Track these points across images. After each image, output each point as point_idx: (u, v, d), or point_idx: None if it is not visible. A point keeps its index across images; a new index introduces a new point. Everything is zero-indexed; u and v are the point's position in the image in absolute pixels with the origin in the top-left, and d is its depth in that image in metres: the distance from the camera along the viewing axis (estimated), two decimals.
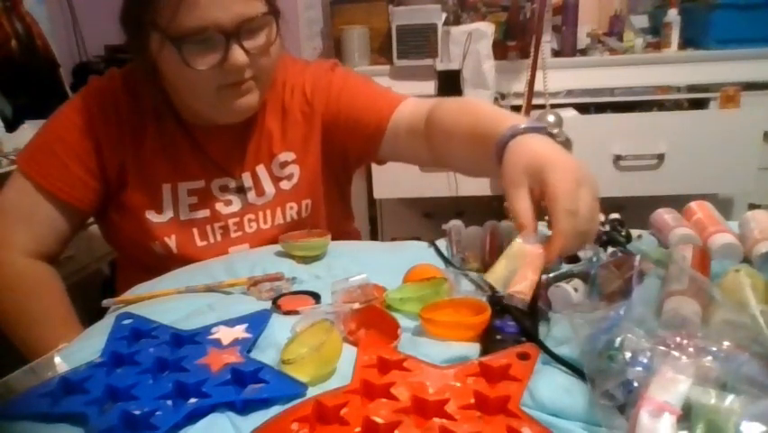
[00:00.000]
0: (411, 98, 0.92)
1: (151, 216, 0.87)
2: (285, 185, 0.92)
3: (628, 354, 0.43)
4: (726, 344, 0.42)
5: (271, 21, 0.80)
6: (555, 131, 0.61)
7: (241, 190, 0.91)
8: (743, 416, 0.36)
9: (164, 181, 0.88)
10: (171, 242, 0.88)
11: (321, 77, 0.94)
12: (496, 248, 0.70)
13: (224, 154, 0.90)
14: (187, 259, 0.87)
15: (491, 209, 1.87)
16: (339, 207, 1.03)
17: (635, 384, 0.41)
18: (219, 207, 0.90)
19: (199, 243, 0.89)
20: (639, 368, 0.42)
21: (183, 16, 0.73)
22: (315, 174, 0.94)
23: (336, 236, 0.88)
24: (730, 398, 0.38)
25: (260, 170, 0.91)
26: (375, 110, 0.90)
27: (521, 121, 0.67)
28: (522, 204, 0.59)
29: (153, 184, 0.87)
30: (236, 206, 0.91)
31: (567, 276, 0.58)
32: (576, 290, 0.54)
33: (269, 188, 0.92)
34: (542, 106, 1.79)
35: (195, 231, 0.89)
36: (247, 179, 0.91)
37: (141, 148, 0.87)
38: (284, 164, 0.92)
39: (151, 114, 0.87)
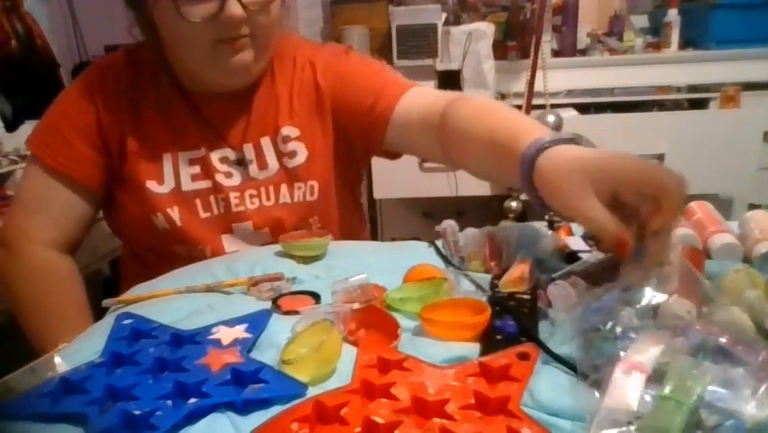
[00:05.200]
0: (427, 88, 0.89)
1: (152, 187, 0.86)
2: (289, 162, 0.90)
3: (619, 330, 0.44)
4: (723, 339, 0.43)
5: None
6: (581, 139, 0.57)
7: (241, 163, 0.89)
8: (712, 381, 0.38)
9: (164, 151, 0.87)
10: (174, 213, 0.86)
11: (334, 57, 0.92)
12: (496, 253, 0.70)
13: (225, 123, 0.88)
14: (191, 233, 0.86)
15: (491, 209, 1.87)
16: (350, 204, 1.00)
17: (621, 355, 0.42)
18: (220, 178, 0.88)
19: (202, 214, 0.88)
20: (627, 342, 0.43)
21: None
22: (325, 158, 0.91)
23: (347, 234, 0.88)
24: (703, 364, 0.40)
25: (265, 142, 0.89)
26: (382, 95, 0.87)
27: (543, 132, 0.62)
28: (603, 214, 0.52)
29: (153, 153, 0.86)
30: (236, 179, 0.89)
31: (566, 274, 0.58)
32: (575, 287, 0.54)
33: (272, 162, 0.89)
34: (542, 106, 1.79)
35: (197, 202, 0.88)
36: (249, 151, 0.89)
37: (141, 117, 0.86)
38: (287, 139, 0.89)
39: (151, 82, 0.87)
